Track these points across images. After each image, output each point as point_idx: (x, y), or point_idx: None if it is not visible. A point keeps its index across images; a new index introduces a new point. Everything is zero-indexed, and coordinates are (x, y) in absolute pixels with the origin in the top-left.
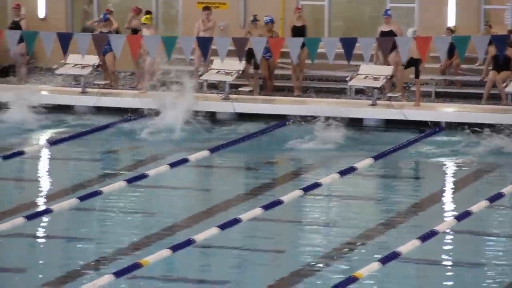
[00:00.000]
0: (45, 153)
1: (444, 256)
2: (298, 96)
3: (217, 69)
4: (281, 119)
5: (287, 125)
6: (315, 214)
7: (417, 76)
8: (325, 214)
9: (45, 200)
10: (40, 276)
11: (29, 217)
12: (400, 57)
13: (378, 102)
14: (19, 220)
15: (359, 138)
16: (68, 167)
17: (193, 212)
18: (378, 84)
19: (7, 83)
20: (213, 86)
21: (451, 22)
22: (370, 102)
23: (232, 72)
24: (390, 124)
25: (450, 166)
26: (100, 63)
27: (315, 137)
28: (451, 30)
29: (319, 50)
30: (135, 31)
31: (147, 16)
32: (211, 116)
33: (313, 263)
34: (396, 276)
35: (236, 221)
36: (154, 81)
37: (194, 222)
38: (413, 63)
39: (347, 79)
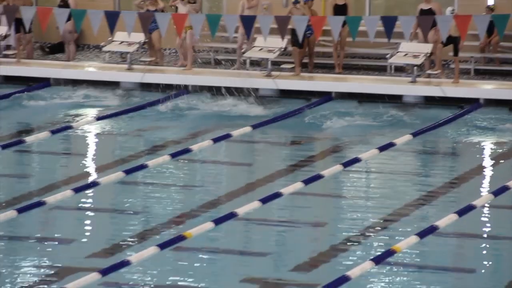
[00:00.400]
0: (92, 128)
1: (481, 231)
2: (339, 73)
3: (260, 46)
4: (322, 96)
5: (325, 106)
6: (355, 189)
7: (456, 53)
8: (364, 189)
9: (92, 174)
10: (86, 246)
11: (77, 190)
12: (439, 35)
13: (417, 79)
14: (67, 193)
15: (398, 115)
16: (114, 141)
17: (235, 186)
18: (417, 61)
19: (56, 59)
20: (256, 64)
21: (490, 0)
22: (409, 79)
23: (274, 50)
24: (429, 101)
25: (487, 142)
26: (146, 40)
27: (355, 114)
28: (490, 9)
29: (360, 28)
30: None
31: None
32: (254, 92)
33: (352, 237)
34: (433, 250)
35: (277, 195)
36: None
37: (236, 195)
38: (452, 41)
39: (387, 56)
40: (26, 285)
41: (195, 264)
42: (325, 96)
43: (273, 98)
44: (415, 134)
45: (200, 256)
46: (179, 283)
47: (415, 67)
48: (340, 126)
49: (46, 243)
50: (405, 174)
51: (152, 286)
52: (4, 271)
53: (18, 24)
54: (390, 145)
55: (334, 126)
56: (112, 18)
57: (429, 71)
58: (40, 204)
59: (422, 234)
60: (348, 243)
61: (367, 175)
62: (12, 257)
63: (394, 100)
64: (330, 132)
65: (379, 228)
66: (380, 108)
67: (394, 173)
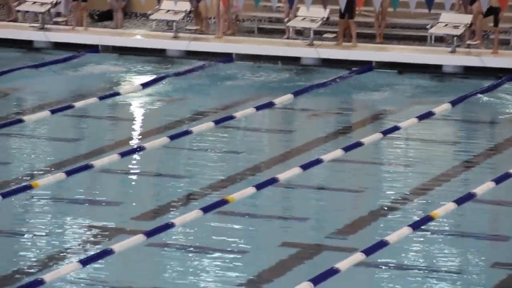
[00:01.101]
0: (138, 95)
1: None
2: (379, 43)
3: (302, 16)
4: (363, 65)
5: (365, 75)
6: (394, 156)
7: (496, 24)
8: (403, 156)
9: (138, 139)
10: (132, 209)
11: (123, 154)
12: (480, 6)
13: (457, 49)
14: (114, 157)
15: (437, 84)
16: (159, 108)
17: (277, 152)
18: (457, 32)
19: (104, 27)
20: (299, 33)
21: None
22: (449, 49)
23: (317, 19)
24: (468, 71)
25: None
26: (192, 9)
27: (395, 83)
28: None
29: None
30: None
31: None
32: (296, 62)
33: (391, 203)
34: (470, 216)
35: (317, 161)
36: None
37: (277, 162)
38: (493, 11)
39: (427, 27)
40: (74, 246)
41: (237, 228)
42: (365, 66)
43: (314, 67)
44: (454, 103)
45: (241, 220)
46: (221, 246)
47: (455, 38)
48: (380, 95)
49: (93, 205)
50: (444, 142)
51: (194, 248)
52: (53, 232)
53: None
54: (429, 114)
55: (374, 95)
56: None
57: (468, 42)
58: (87, 167)
59: (459, 201)
60: (386, 209)
61: (406, 143)
62: (61, 218)
63: (434, 70)
64: (370, 101)
65: (417, 195)
66: (420, 77)
67: (432, 141)
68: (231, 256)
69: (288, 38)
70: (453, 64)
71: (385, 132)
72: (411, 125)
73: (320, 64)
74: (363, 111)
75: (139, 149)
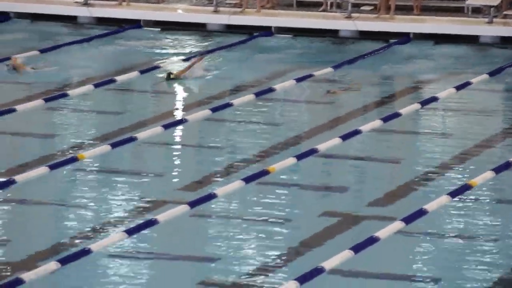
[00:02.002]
0: (179, 68)
1: None
2: (417, 14)
3: None
4: (401, 37)
5: (403, 47)
6: (432, 126)
7: None
8: (441, 126)
9: (180, 111)
10: (175, 180)
11: (166, 127)
12: None
13: (494, 20)
14: (157, 129)
15: (475, 55)
16: (200, 81)
17: (316, 123)
18: (494, 2)
19: (146, 2)
20: (337, 5)
21: None
22: (486, 20)
23: None
24: (505, 42)
25: None
26: None
27: (432, 54)
28: None
29: None
30: None
31: None
32: (334, 34)
33: (429, 172)
34: (508, 184)
35: (356, 132)
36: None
37: (317, 133)
38: None
39: None
40: (119, 216)
41: (277, 198)
42: (403, 37)
43: (352, 39)
44: (491, 74)
45: (282, 190)
46: (262, 216)
47: (492, 8)
48: (418, 66)
49: (137, 176)
50: (481, 112)
51: (236, 218)
52: (98, 203)
53: None
54: (467, 84)
55: (411, 66)
56: None
57: (506, 12)
58: (131, 139)
59: (497, 170)
60: (424, 179)
61: (444, 113)
62: (106, 190)
63: (471, 40)
64: (408, 72)
65: (456, 164)
66: (457, 48)
67: (470, 112)
68: (272, 225)
69: (325, 10)
70: (490, 35)
71: (423, 103)
72: (449, 96)
73: (358, 36)
74: (401, 82)
75: (182, 121)
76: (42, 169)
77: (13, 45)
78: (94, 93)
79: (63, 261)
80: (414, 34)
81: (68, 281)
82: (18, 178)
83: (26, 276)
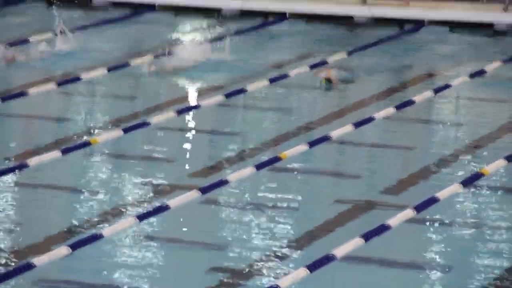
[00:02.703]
0: (193, 53)
1: None
2: (432, 0)
3: None
4: (416, 24)
5: (417, 34)
6: (445, 114)
7: None
8: (455, 114)
9: (193, 96)
10: (187, 166)
11: (179, 112)
12: None
13: (509, 7)
14: (170, 114)
15: (490, 42)
16: (214, 66)
17: (329, 110)
18: None
19: None
20: None
21: None
22: (502, 7)
23: None
24: None
25: None
26: None
27: (447, 41)
28: None
29: None
30: None
31: None
32: (349, 20)
33: (441, 160)
34: None
35: (369, 119)
36: None
37: (330, 119)
38: None
39: None
40: (131, 201)
41: (290, 185)
42: (418, 24)
43: (367, 25)
44: (506, 61)
45: (294, 177)
46: (274, 202)
47: None
48: (432, 53)
49: (149, 161)
50: (495, 101)
51: (248, 204)
52: (110, 188)
53: None
54: (481, 72)
55: (425, 53)
56: None
57: None
58: (144, 124)
59: (510, 158)
60: (437, 166)
61: (458, 101)
62: (118, 175)
63: (486, 27)
64: (422, 59)
65: (468, 152)
66: (472, 35)
67: (484, 100)
68: (284, 212)
69: None
70: (506, 22)
71: (437, 90)
72: (463, 83)
73: (373, 22)
74: (414, 69)
75: (195, 107)
76: (55, 153)
77: (29, 27)
78: (107, 77)
79: (75, 246)
80: (429, 20)
81: (79, 265)
82: (30, 162)
83: (38, 260)
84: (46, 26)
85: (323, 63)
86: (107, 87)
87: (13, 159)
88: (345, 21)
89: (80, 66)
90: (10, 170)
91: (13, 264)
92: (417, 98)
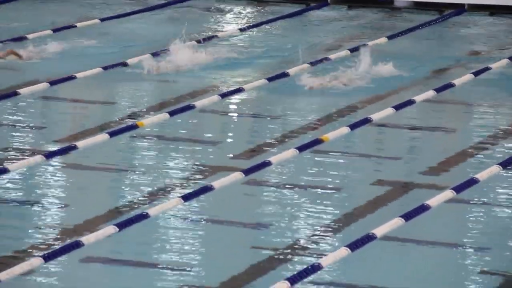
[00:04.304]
0: (235, 40)
1: None
2: None
3: None
4: (456, 8)
5: (457, 18)
6: (485, 97)
7: None
8: (493, 96)
9: (237, 80)
10: (230, 148)
11: (223, 96)
12: None
13: None
14: (214, 98)
15: None
16: (256, 51)
17: (370, 93)
18: None
19: None
20: None
21: None
22: None
23: None
24: None
25: None
26: None
27: (487, 25)
28: None
29: None
30: None
31: None
32: (390, 4)
33: (481, 143)
34: None
35: (409, 102)
36: None
37: (371, 102)
38: None
39: None
40: (176, 182)
41: (330, 166)
42: (458, 8)
43: (408, 9)
44: None
45: (335, 159)
46: (315, 183)
47: None
48: (472, 37)
49: (194, 144)
50: None
51: (290, 185)
52: (156, 169)
53: None
54: None
55: (466, 37)
56: None
57: None
58: (189, 107)
59: None
60: (476, 149)
61: (497, 83)
62: (164, 156)
63: None
64: (462, 42)
65: (507, 134)
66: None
67: None
68: (325, 193)
69: None
70: None
71: (476, 73)
72: (502, 66)
73: (413, 6)
74: (454, 53)
75: (238, 90)
76: (102, 136)
77: (73, 14)
78: (152, 62)
79: (121, 225)
80: (469, 5)
81: (125, 244)
82: (79, 144)
83: (86, 239)
84: (92, 13)
85: (363, 46)
86: (154, 73)
87: (62, 141)
88: (386, 6)
89: (126, 52)
90: (60, 152)
91: (62, 242)
92: (456, 81)
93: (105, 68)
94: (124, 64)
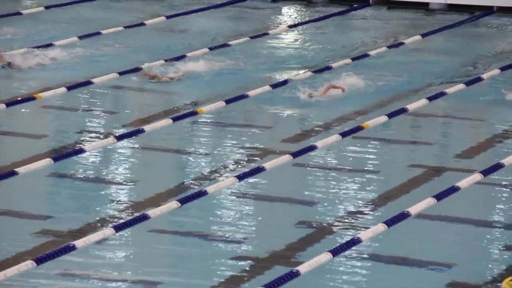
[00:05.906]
0: (286, 36)
1: None
2: None
3: None
4: (485, 10)
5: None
6: (510, 90)
7: None
8: None
9: (284, 73)
10: (280, 133)
11: (273, 86)
12: None
13: None
14: (265, 88)
15: None
16: (302, 48)
17: (405, 87)
18: None
19: None
20: None
21: None
22: None
23: None
24: None
25: None
26: None
27: None
28: None
29: None
30: None
31: None
32: (424, 6)
33: (508, 131)
34: None
35: (442, 94)
36: None
37: (405, 94)
38: None
39: None
40: (231, 163)
41: (370, 151)
42: (486, 10)
43: (442, 11)
44: None
45: (374, 144)
46: (356, 166)
47: None
48: (500, 36)
49: (248, 129)
50: None
51: (333, 168)
52: (214, 151)
53: None
54: None
55: (494, 36)
56: None
57: None
58: (243, 96)
59: None
60: (504, 137)
61: None
62: (220, 140)
63: None
64: (490, 41)
65: None
66: None
67: None
68: (364, 175)
69: None
70: None
71: (503, 68)
72: None
73: (446, 8)
74: (483, 50)
75: (286, 81)
76: (166, 121)
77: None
78: (210, 55)
79: (183, 201)
80: (498, 7)
81: (186, 218)
82: (146, 128)
83: (151, 212)
84: (159, 10)
85: (400, 44)
86: (211, 66)
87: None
88: (422, 7)
89: (185, 45)
90: (129, 134)
91: (131, 215)
92: (485, 76)
93: (165, 60)
94: (183, 57)
